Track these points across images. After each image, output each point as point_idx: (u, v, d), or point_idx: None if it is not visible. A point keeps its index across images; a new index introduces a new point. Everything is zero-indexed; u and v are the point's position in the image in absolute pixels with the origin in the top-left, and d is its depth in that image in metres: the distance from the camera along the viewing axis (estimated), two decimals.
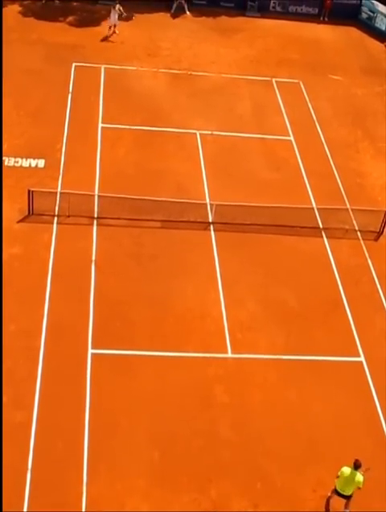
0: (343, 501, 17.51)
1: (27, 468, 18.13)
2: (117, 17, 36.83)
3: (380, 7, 40.80)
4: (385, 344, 22.84)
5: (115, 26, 36.79)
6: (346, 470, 16.98)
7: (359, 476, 16.92)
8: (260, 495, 18.45)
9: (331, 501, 17.79)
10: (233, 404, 20.56)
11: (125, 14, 36.84)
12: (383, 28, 40.65)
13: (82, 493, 17.86)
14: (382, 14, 40.69)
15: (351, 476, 16.92)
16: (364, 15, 41.61)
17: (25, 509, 17.34)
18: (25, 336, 21.37)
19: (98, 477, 18.19)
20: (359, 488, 17.07)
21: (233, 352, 21.97)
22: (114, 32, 36.84)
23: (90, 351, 21.30)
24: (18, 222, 25.09)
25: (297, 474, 19.02)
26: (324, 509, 17.89)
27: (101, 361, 21.06)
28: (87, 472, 18.29)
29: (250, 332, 22.63)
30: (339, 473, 17.11)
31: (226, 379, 21.19)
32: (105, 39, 36.52)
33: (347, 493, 17.18)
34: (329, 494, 17.83)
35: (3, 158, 27.71)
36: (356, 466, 16.96)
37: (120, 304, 22.78)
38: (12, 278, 23.04)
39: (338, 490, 17.27)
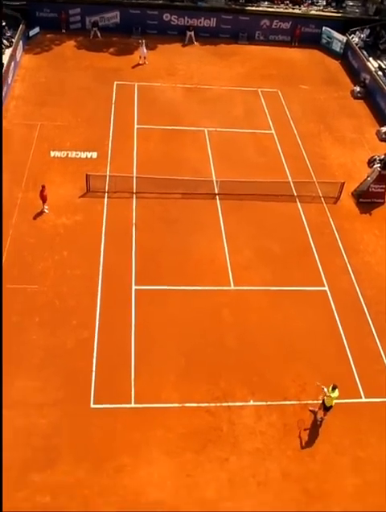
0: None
1: (92, 371, 18.33)
2: (145, 50, 35.88)
3: (335, 34, 39.65)
4: (342, 277, 22.72)
5: (145, 57, 35.96)
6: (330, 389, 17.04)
7: (335, 394, 17.00)
8: (255, 385, 18.60)
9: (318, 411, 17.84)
10: (236, 322, 20.58)
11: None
12: (338, 49, 39.54)
13: (131, 387, 18.09)
14: (337, 39, 39.57)
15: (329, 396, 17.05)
16: (324, 41, 40.46)
17: (92, 399, 17.58)
18: (87, 278, 21.37)
19: (142, 376, 18.37)
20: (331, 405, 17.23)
21: (235, 285, 21.88)
22: (144, 61, 35.97)
23: (134, 287, 21.27)
24: (80, 197, 24.89)
25: (281, 370, 19.13)
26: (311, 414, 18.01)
27: (142, 294, 21.05)
28: (134, 372, 18.47)
29: (246, 271, 22.51)
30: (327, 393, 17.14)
31: (230, 305, 21.16)
32: (137, 65, 35.78)
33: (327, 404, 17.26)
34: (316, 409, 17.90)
35: (69, 151, 27.44)
36: (333, 387, 17.00)
37: (154, 253, 22.67)
38: (77, 237, 22.97)
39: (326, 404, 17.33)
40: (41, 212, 23.81)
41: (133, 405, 17.64)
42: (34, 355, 18.62)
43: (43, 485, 15.55)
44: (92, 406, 17.47)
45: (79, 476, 15.85)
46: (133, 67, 35.65)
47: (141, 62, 36.00)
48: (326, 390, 17.09)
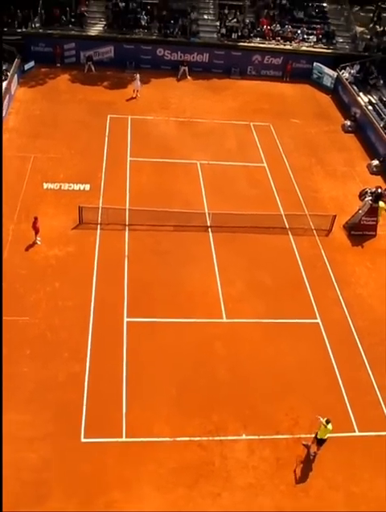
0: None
1: (83, 404, 18.23)
2: (139, 83, 36.47)
3: (326, 70, 40.51)
4: (334, 309, 22.84)
5: (138, 90, 36.54)
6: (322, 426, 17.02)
7: (329, 427, 16.98)
8: (248, 419, 18.54)
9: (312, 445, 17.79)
10: (228, 355, 20.57)
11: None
12: (329, 84, 40.34)
13: (122, 420, 17.99)
14: (328, 74, 40.39)
15: (322, 429, 17.05)
16: (315, 76, 41.27)
17: (82, 433, 17.44)
18: (79, 310, 21.37)
19: (133, 409, 18.28)
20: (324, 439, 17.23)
21: (227, 317, 21.94)
22: (137, 95, 36.52)
23: (126, 319, 21.29)
24: (72, 229, 25.03)
25: (274, 403, 19.08)
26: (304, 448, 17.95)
27: (134, 326, 21.05)
28: (125, 405, 18.38)
29: (239, 303, 22.59)
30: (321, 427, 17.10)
31: (222, 337, 21.19)
32: (131, 98, 36.38)
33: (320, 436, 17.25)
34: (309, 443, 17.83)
35: (62, 184, 27.67)
36: (327, 421, 16.96)
37: (146, 286, 22.74)
38: (68, 269, 23.04)
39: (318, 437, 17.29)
40: (33, 244, 23.91)
41: (124, 439, 17.52)
42: (25, 388, 18.51)
43: None
44: (83, 440, 17.33)
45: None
46: (128, 100, 36.20)
47: (133, 95, 36.53)
48: (322, 420, 17.05)
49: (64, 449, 16.99)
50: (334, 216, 26.66)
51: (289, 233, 26.44)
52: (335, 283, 23.99)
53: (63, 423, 17.61)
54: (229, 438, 17.96)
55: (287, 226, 26.69)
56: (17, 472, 16.26)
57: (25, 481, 16.12)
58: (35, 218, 23.55)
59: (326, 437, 17.10)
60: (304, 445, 17.83)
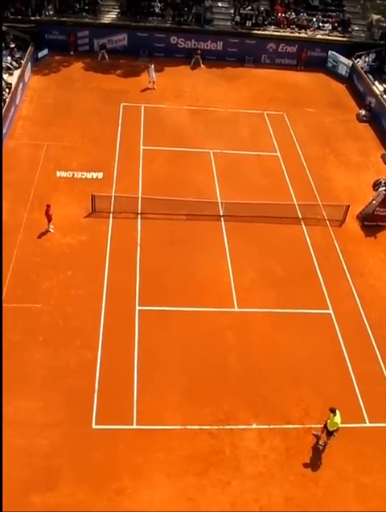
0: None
1: (94, 391, 18.33)
2: (154, 74, 36.07)
3: (341, 58, 40.13)
4: (347, 300, 22.72)
5: (153, 81, 36.29)
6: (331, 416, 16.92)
7: (337, 418, 16.91)
8: (259, 408, 18.56)
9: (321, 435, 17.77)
10: (239, 344, 20.57)
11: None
12: (344, 73, 39.97)
13: (133, 408, 18.07)
14: (343, 63, 40.05)
15: (331, 419, 16.97)
16: (330, 64, 40.93)
17: (93, 420, 17.56)
18: (91, 298, 21.44)
19: (144, 397, 18.35)
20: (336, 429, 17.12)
21: (239, 307, 21.93)
22: (154, 86, 36.20)
23: (137, 308, 21.33)
24: (85, 217, 25.07)
25: (285, 393, 19.08)
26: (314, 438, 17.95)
27: (146, 315, 21.10)
28: (136, 393, 18.45)
29: (250, 293, 22.56)
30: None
31: (234, 326, 21.18)
32: (146, 89, 36.07)
33: (330, 429, 17.18)
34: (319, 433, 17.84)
35: (75, 172, 27.70)
36: (333, 411, 16.92)
37: (158, 274, 22.75)
38: (81, 257, 23.10)
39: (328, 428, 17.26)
40: (46, 232, 24.00)
41: (134, 426, 17.62)
42: (37, 375, 18.65)
43: (43, 506, 15.48)
44: (94, 427, 17.45)
45: (79, 498, 15.77)
46: (142, 91, 35.85)
47: (150, 86, 36.16)
48: (319, 435, 17.32)
49: (75, 436, 17.13)
50: (348, 207, 26.49)
51: (302, 222, 26.31)
52: (348, 274, 23.87)
53: (74, 410, 17.74)
54: (239, 427, 18.01)
55: (300, 216, 26.55)
56: (28, 458, 16.42)
57: (36, 467, 16.27)
58: (48, 206, 23.60)
59: (339, 426, 17.04)
60: (314, 435, 17.83)
